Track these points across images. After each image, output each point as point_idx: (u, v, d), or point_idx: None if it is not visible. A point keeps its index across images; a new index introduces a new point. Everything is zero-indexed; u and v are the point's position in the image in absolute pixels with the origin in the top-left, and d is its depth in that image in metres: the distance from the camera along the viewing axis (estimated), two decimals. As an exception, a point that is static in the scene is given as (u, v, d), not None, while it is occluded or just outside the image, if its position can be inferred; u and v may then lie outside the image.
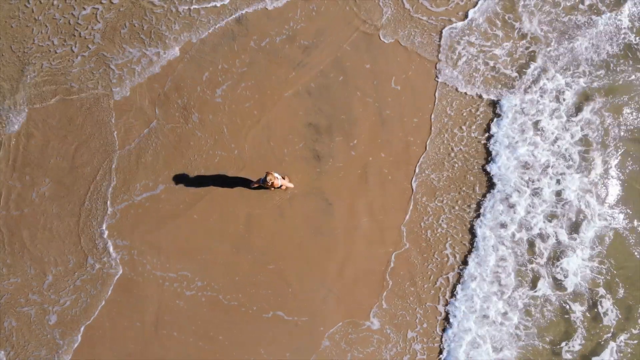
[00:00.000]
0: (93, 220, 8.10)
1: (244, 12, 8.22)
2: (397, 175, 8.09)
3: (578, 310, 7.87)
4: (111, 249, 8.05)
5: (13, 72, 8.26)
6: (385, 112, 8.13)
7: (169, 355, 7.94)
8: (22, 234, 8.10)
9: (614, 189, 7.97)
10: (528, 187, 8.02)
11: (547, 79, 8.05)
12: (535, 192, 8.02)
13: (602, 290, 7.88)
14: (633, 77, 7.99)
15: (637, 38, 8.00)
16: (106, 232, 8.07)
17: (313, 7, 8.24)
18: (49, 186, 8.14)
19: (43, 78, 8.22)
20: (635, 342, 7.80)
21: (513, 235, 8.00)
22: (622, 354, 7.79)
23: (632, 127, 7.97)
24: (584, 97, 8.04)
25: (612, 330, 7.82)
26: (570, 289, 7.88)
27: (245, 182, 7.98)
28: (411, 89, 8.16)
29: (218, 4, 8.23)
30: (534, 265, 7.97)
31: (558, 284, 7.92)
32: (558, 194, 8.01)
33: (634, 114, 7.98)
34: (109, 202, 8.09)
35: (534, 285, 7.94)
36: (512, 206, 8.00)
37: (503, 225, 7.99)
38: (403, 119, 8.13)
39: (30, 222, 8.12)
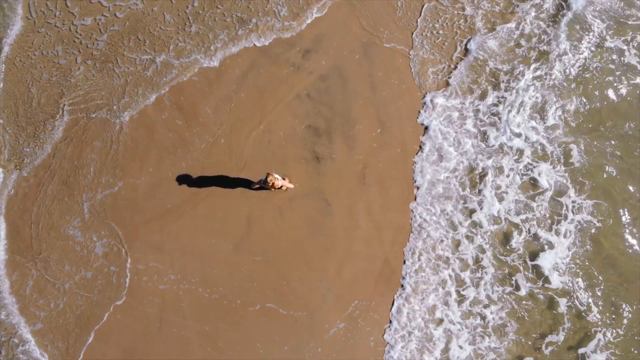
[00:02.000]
0: (96, 220, 8.19)
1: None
2: (395, 176, 8.29)
3: (563, 305, 8.05)
4: (113, 250, 8.14)
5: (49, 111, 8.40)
6: (384, 114, 8.35)
7: (170, 351, 8.03)
8: (24, 233, 8.15)
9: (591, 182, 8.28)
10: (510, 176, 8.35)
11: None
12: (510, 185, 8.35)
13: (582, 283, 8.10)
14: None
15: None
16: (108, 233, 8.17)
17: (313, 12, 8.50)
18: (52, 186, 8.23)
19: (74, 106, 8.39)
20: (621, 339, 8.00)
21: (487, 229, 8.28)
22: (606, 348, 7.98)
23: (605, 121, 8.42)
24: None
25: (598, 324, 8.02)
26: (553, 285, 8.08)
27: (246, 183, 8.13)
28: (409, 92, 8.40)
29: (235, 51, 8.46)
30: (511, 259, 8.21)
31: (541, 280, 8.14)
32: (534, 184, 8.30)
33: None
34: (109, 197, 8.19)
35: (512, 282, 8.17)
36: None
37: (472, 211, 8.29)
38: (401, 121, 8.36)
39: (34, 221, 8.19)
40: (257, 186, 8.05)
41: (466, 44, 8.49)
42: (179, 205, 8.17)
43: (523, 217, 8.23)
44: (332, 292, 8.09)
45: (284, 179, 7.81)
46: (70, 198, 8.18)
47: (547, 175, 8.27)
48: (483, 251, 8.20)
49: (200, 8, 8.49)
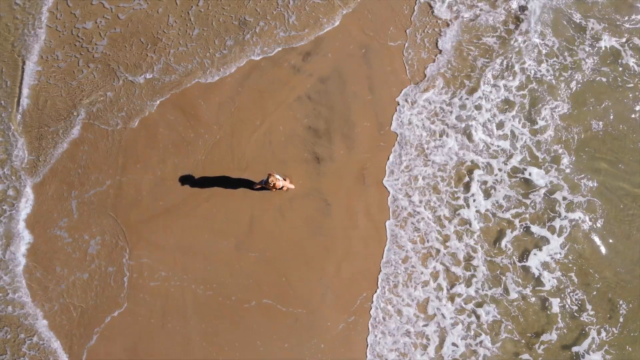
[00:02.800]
0: (97, 221, 8.27)
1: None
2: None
3: (556, 304, 8.12)
4: (117, 248, 8.24)
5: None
6: (383, 115, 8.47)
7: (171, 350, 8.12)
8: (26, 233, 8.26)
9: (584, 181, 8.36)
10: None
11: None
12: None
13: (577, 282, 8.18)
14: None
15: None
16: (109, 232, 8.27)
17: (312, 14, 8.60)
18: (54, 186, 8.32)
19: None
20: (616, 336, 8.09)
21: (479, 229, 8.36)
22: (599, 347, 8.08)
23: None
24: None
25: (593, 322, 8.10)
26: (547, 286, 8.14)
27: (247, 184, 8.23)
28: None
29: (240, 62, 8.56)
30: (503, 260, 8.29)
31: (530, 284, 8.21)
32: (528, 183, 8.38)
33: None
34: (111, 196, 8.30)
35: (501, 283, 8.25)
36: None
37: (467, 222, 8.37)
38: (399, 123, 8.50)
39: (36, 221, 8.28)
40: (258, 187, 8.15)
41: (437, 39, 8.60)
42: (181, 205, 8.26)
43: (513, 212, 8.28)
44: (331, 291, 8.20)
45: (284, 180, 7.90)
46: (71, 198, 8.28)
47: (538, 174, 8.36)
48: (475, 250, 8.27)
49: (204, 7, 8.59)
